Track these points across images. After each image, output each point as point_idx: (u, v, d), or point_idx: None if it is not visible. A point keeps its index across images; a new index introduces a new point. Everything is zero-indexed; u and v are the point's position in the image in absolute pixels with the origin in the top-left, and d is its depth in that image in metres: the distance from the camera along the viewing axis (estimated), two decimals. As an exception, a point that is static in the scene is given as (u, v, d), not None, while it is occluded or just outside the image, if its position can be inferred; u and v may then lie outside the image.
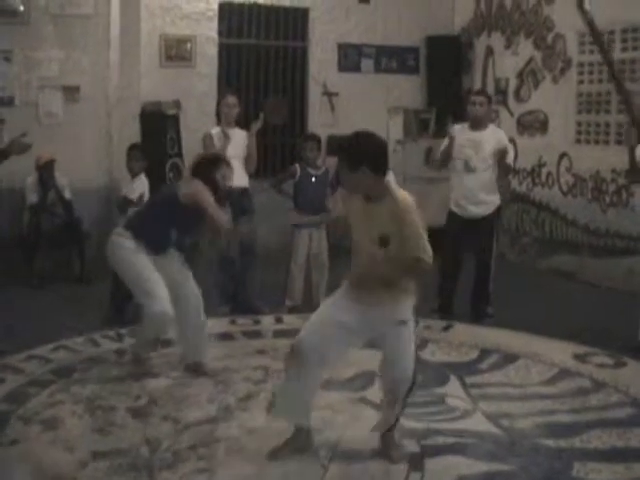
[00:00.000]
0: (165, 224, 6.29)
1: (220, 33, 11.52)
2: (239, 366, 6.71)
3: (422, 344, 7.39)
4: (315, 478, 4.74)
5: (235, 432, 5.36)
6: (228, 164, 6.66)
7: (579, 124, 10.43)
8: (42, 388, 6.08)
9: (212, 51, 11.44)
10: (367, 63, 12.34)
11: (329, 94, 12.00)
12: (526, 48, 11.31)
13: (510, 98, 11.59)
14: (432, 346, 7.40)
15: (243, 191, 8.41)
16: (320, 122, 11.78)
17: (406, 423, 5.48)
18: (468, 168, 8.10)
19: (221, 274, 8.46)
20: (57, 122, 10.38)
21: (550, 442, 5.27)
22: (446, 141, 8.33)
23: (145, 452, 5.03)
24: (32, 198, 9.70)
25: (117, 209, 8.56)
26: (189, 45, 11.25)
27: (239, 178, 8.37)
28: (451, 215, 8.35)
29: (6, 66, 10.21)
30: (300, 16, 12.01)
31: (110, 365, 6.70)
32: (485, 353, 7.19)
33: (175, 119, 10.68)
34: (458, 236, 8.24)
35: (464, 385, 6.36)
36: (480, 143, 8.05)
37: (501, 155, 7.99)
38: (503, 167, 8.07)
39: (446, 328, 7.98)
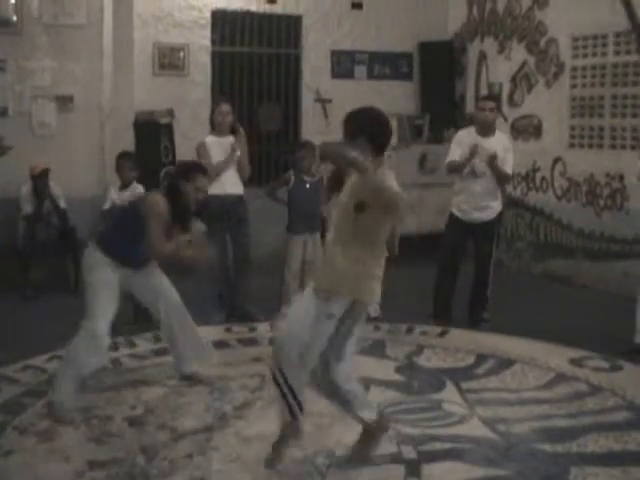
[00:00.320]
0: (133, 239, 5.99)
1: (213, 41, 11.51)
2: (235, 374, 6.70)
3: (418, 350, 7.41)
4: (312, 485, 4.74)
5: (231, 440, 5.36)
6: (204, 173, 6.32)
7: (573, 128, 10.44)
8: (38, 398, 6.06)
9: (205, 59, 11.43)
10: (360, 69, 12.34)
11: (322, 101, 12.00)
12: (519, 53, 11.32)
13: (504, 103, 11.59)
14: (428, 352, 7.40)
15: (238, 199, 8.41)
16: (314, 129, 11.77)
17: (403, 429, 5.49)
18: (474, 174, 8.08)
19: (216, 282, 8.45)
20: (50, 132, 10.38)
21: (547, 447, 5.28)
22: (456, 155, 8.26)
23: (141, 461, 5.03)
24: (27, 208, 9.68)
25: (103, 220, 8.39)
26: (182, 53, 11.24)
27: (234, 186, 8.38)
28: (452, 219, 8.34)
29: (-1, 76, 10.21)
30: (293, 23, 12.01)
31: (106, 374, 6.68)
32: (481, 358, 7.19)
33: (169, 128, 10.68)
34: (458, 240, 8.25)
35: (460, 390, 6.36)
36: (487, 150, 8.01)
37: (490, 161, 7.96)
38: (496, 173, 8.04)
39: (442, 334, 7.97)
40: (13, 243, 9.76)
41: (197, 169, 6.33)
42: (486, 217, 8.16)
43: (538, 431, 5.54)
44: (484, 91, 11.96)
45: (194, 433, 5.47)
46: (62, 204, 9.80)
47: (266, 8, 11.72)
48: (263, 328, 8.17)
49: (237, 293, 8.48)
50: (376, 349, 7.44)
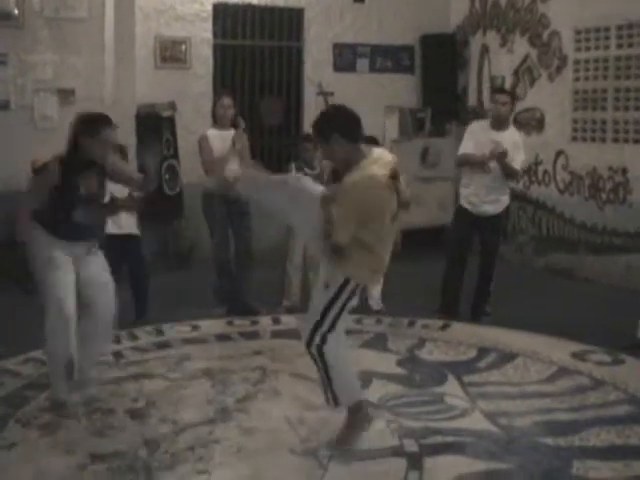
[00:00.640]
0: (57, 205, 5.76)
1: (215, 34, 11.49)
2: (237, 367, 6.70)
3: (420, 343, 7.40)
4: (315, 478, 4.74)
5: (233, 433, 5.36)
6: (108, 124, 5.89)
7: (575, 122, 10.43)
8: (40, 391, 6.06)
9: (207, 52, 11.42)
10: (362, 63, 12.32)
11: (324, 94, 11.96)
12: (521, 46, 11.30)
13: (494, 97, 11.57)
14: (430, 345, 7.40)
15: (240, 192, 8.39)
16: (316, 122, 11.74)
17: (404, 422, 5.49)
18: (485, 168, 8.07)
19: (218, 275, 8.45)
20: (52, 125, 10.36)
21: (549, 440, 5.28)
22: (469, 147, 8.24)
23: (143, 454, 5.04)
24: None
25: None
26: (184, 47, 11.23)
27: (236, 179, 8.36)
28: (461, 211, 8.33)
29: (1, 70, 10.18)
30: (295, 16, 11.99)
31: (108, 367, 6.68)
32: (483, 352, 7.18)
33: (171, 121, 10.66)
34: (465, 233, 8.24)
35: (462, 384, 6.36)
36: (500, 144, 7.97)
37: (500, 158, 7.93)
38: (503, 169, 7.99)
39: (444, 327, 7.97)
40: (14, 237, 9.73)
41: (99, 121, 5.89)
42: (494, 210, 8.14)
43: (540, 425, 5.54)
44: (486, 85, 11.95)
45: (196, 426, 5.47)
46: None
47: (268, 1, 11.71)
48: (265, 321, 8.17)
49: (239, 286, 8.47)
50: (378, 342, 7.44)
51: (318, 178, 8.46)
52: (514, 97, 8.61)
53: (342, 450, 5.04)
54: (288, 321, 8.11)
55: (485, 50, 12.09)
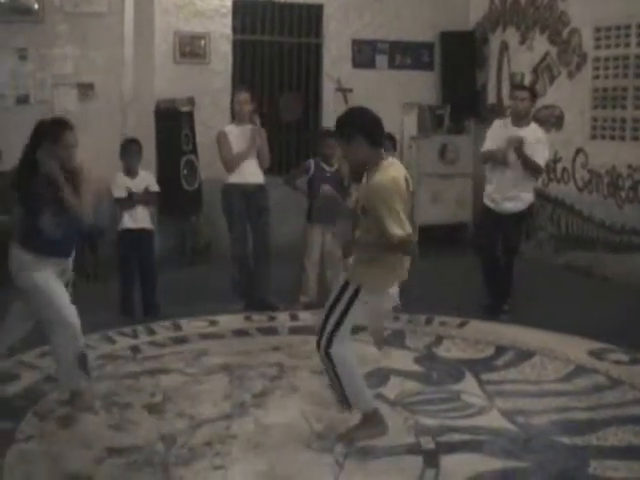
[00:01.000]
0: (35, 222, 5.61)
1: (234, 30, 11.50)
2: (254, 363, 6.71)
3: (437, 341, 7.40)
4: (331, 475, 4.74)
5: (250, 428, 5.37)
6: (69, 127, 5.73)
7: (595, 119, 10.38)
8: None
9: (226, 48, 11.43)
10: (381, 59, 12.31)
11: (343, 90, 11.97)
12: (541, 43, 11.26)
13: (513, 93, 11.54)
14: (447, 343, 7.39)
15: (258, 188, 8.41)
16: (334, 118, 11.72)
17: (421, 420, 5.49)
18: (506, 164, 8.07)
19: (236, 270, 8.46)
20: (72, 120, 10.36)
21: (566, 439, 5.26)
22: (490, 146, 8.27)
23: (161, 448, 5.05)
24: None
25: (120, 207, 8.31)
26: (203, 42, 11.24)
27: (254, 175, 8.38)
28: (485, 209, 8.39)
29: (21, 64, 10.23)
30: (314, 12, 11.98)
31: (125, 362, 6.70)
32: (501, 350, 7.17)
33: (189, 116, 10.68)
34: (492, 231, 8.24)
35: (480, 382, 6.35)
36: (525, 139, 7.99)
37: (516, 147, 7.92)
38: (524, 162, 7.97)
39: (461, 325, 7.95)
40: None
41: (58, 126, 5.73)
42: (515, 208, 8.12)
43: (557, 423, 5.52)
44: (506, 82, 11.92)
45: (213, 421, 5.48)
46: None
47: (287, -3, 11.73)
48: (283, 317, 8.18)
49: (257, 282, 8.48)
50: (395, 339, 7.43)
51: (336, 175, 8.51)
52: (534, 93, 8.58)
53: (358, 448, 5.05)
54: (306, 317, 8.12)
55: (504, 47, 12.06)
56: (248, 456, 4.98)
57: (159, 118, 10.58)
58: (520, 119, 8.15)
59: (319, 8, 11.96)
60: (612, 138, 10.14)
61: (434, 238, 11.06)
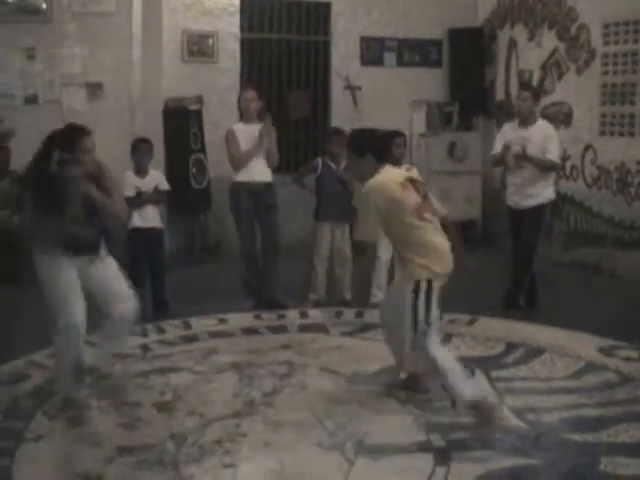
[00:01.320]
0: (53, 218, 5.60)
1: (242, 28, 11.50)
2: (264, 361, 6.71)
3: (446, 338, 7.38)
4: (341, 473, 4.73)
5: (260, 427, 5.37)
6: (85, 133, 5.72)
7: (603, 116, 10.35)
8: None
9: (234, 46, 11.43)
10: (390, 56, 12.29)
11: (352, 88, 11.97)
12: (550, 40, 11.23)
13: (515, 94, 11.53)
14: (457, 340, 7.38)
15: (266, 186, 8.41)
16: (343, 116, 11.75)
17: (432, 417, 5.48)
18: (518, 164, 8.10)
19: (245, 269, 8.46)
20: (80, 119, 10.29)
21: (576, 436, 5.25)
22: (499, 148, 8.30)
23: (171, 447, 5.05)
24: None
25: (129, 207, 8.27)
26: (211, 41, 11.25)
27: (261, 173, 8.38)
28: (508, 210, 8.48)
29: (29, 64, 10.26)
30: (322, 10, 11.98)
31: (135, 360, 6.71)
32: (511, 347, 7.15)
33: (198, 115, 10.69)
34: (518, 231, 8.29)
35: (490, 379, 6.33)
36: (528, 139, 8.02)
37: (521, 154, 7.99)
38: (534, 163, 7.99)
39: (470, 322, 7.94)
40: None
41: (74, 133, 5.73)
42: (534, 202, 8.15)
43: (568, 420, 5.51)
44: (514, 79, 11.91)
45: (223, 419, 5.48)
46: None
47: (295, -5, 11.73)
48: (292, 315, 8.18)
49: (266, 280, 8.48)
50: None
51: (344, 173, 8.51)
52: (537, 92, 8.61)
53: (369, 446, 5.05)
54: (315, 315, 8.12)
55: (513, 44, 12.04)
56: (258, 454, 4.98)
57: (167, 117, 10.59)
58: (524, 119, 8.18)
59: (327, 6, 11.96)
60: (621, 134, 10.11)
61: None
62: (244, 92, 8.60)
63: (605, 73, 10.31)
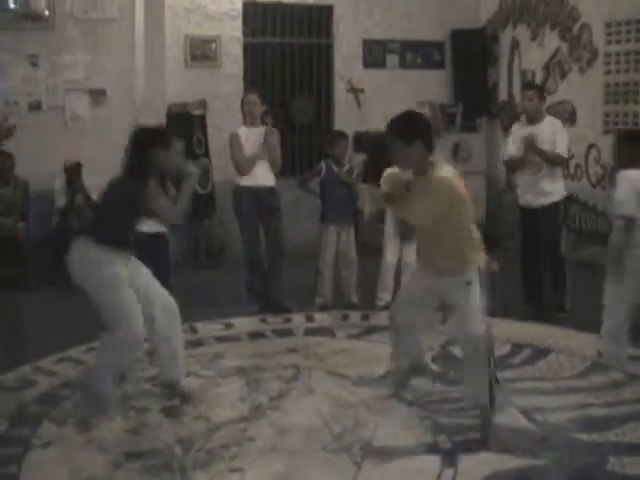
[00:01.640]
0: (126, 222, 5.70)
1: (245, 33, 11.53)
2: (270, 365, 6.71)
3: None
4: (348, 476, 4.73)
5: (267, 431, 5.37)
6: (172, 133, 6.02)
7: (607, 115, 10.35)
8: (74, 390, 6.10)
9: (237, 51, 11.45)
10: (392, 59, 12.31)
11: (355, 90, 11.99)
12: (552, 39, 11.23)
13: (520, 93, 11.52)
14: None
15: (270, 190, 8.42)
16: (347, 119, 11.76)
17: (438, 419, 5.48)
18: (528, 162, 8.12)
19: (250, 273, 8.47)
20: (84, 125, 10.44)
21: (584, 436, 5.24)
22: (514, 150, 8.30)
23: (178, 452, 5.05)
24: (60, 201, 9.78)
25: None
26: (214, 45, 11.27)
27: (265, 177, 8.38)
28: (520, 209, 8.45)
29: (32, 71, 10.28)
30: (324, 13, 12.00)
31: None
32: (517, 347, 7.15)
33: (202, 119, 10.71)
34: (528, 229, 8.32)
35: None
36: (537, 137, 8.04)
37: (528, 144, 7.99)
38: (543, 157, 8.01)
39: (477, 323, 7.92)
40: (47, 236, 9.81)
41: (165, 133, 6.02)
42: (549, 201, 8.16)
43: (575, 420, 5.50)
44: (517, 79, 11.91)
45: (230, 424, 5.48)
46: (95, 197, 9.86)
47: (297, -2, 11.74)
48: (298, 318, 8.18)
49: (271, 284, 8.48)
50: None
51: (348, 175, 8.52)
52: (541, 91, 8.61)
53: (375, 448, 5.05)
54: (321, 318, 8.12)
55: (515, 44, 12.04)
56: (265, 458, 4.97)
57: (171, 122, 10.59)
58: (532, 118, 8.21)
59: (329, 9, 11.97)
60: (625, 133, 10.10)
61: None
62: (247, 96, 8.62)
63: (608, 72, 10.31)
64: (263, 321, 8.13)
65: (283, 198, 8.59)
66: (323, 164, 8.62)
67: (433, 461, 4.89)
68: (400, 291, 6.13)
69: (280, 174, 8.61)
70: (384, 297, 8.48)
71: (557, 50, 11.14)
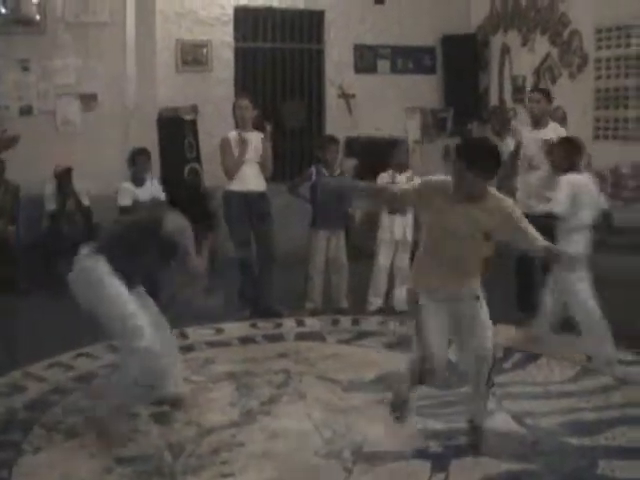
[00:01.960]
0: (141, 254, 5.55)
1: (236, 37, 11.54)
2: (261, 370, 6.71)
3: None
4: (339, 480, 4.74)
5: (258, 436, 5.36)
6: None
7: (597, 120, 10.38)
8: (64, 396, 6.09)
9: (228, 55, 11.47)
10: (383, 64, 12.34)
11: (346, 96, 12.00)
12: (542, 45, 11.27)
13: (526, 96, 11.54)
14: (454, 346, 7.36)
15: (260, 195, 8.41)
16: (338, 124, 11.77)
17: (430, 424, 5.48)
18: (532, 166, 8.14)
19: (240, 278, 8.46)
20: (75, 130, 10.44)
21: (574, 440, 5.25)
22: (511, 146, 8.36)
23: (168, 457, 5.04)
24: (50, 206, 9.76)
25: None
26: (205, 50, 11.28)
27: (255, 182, 8.37)
28: None
29: (23, 75, 10.29)
30: (315, 18, 12.02)
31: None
32: (508, 352, 7.15)
33: (193, 124, 10.71)
34: None
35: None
36: (542, 141, 8.05)
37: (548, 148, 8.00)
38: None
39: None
40: (37, 241, 9.80)
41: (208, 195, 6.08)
42: (549, 207, 8.14)
43: (565, 424, 5.51)
44: (507, 84, 11.93)
45: (220, 429, 5.47)
46: (86, 202, 9.86)
47: (288, 4, 11.75)
48: (289, 323, 8.18)
49: (261, 289, 8.47)
50: (402, 344, 7.41)
51: (340, 180, 8.51)
52: (548, 95, 8.60)
53: (366, 453, 5.05)
54: (312, 323, 8.12)
55: (506, 50, 12.07)
56: (256, 463, 4.96)
57: (162, 126, 10.60)
58: (537, 121, 8.22)
59: (320, 14, 11.99)
60: (615, 138, 10.14)
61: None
62: (238, 100, 8.62)
63: (598, 78, 10.35)
64: (254, 326, 8.12)
65: (274, 203, 8.59)
66: (313, 169, 8.62)
67: (424, 465, 4.90)
68: (428, 338, 5.26)
69: (271, 179, 8.60)
70: (375, 301, 8.49)
71: (547, 55, 11.17)
